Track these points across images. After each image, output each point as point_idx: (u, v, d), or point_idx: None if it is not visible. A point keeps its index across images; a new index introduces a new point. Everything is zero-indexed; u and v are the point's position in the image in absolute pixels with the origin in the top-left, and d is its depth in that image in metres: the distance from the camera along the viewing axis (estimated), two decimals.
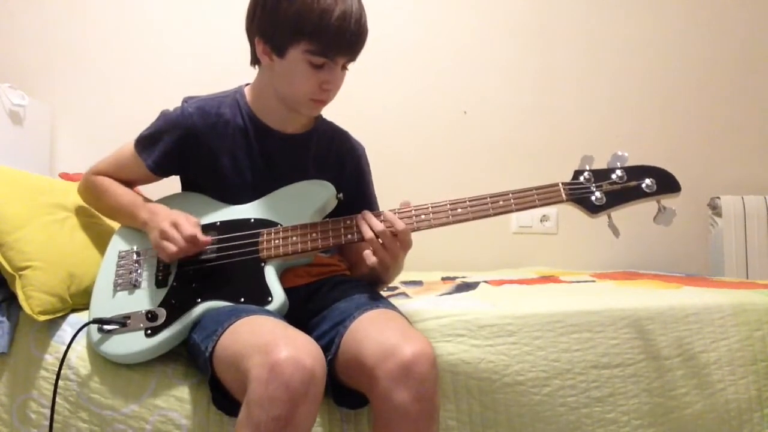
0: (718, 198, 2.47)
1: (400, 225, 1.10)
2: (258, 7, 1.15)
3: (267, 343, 0.91)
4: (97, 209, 1.34)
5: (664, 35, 2.60)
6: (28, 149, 2.12)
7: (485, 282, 1.65)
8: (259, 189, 1.22)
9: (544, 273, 2.00)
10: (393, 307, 1.13)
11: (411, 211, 1.14)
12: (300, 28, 1.09)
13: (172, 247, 1.10)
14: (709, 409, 1.23)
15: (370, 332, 1.00)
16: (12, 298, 1.20)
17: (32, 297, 1.15)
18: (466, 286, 1.58)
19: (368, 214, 1.13)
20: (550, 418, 1.17)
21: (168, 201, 1.26)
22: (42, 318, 1.15)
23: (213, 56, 2.35)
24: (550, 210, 2.45)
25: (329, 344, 1.04)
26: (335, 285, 1.21)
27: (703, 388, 1.24)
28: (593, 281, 1.72)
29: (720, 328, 1.29)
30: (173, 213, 1.15)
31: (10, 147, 2.00)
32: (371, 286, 1.24)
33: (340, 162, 1.31)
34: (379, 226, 1.11)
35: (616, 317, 1.26)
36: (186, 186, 1.31)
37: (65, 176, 1.95)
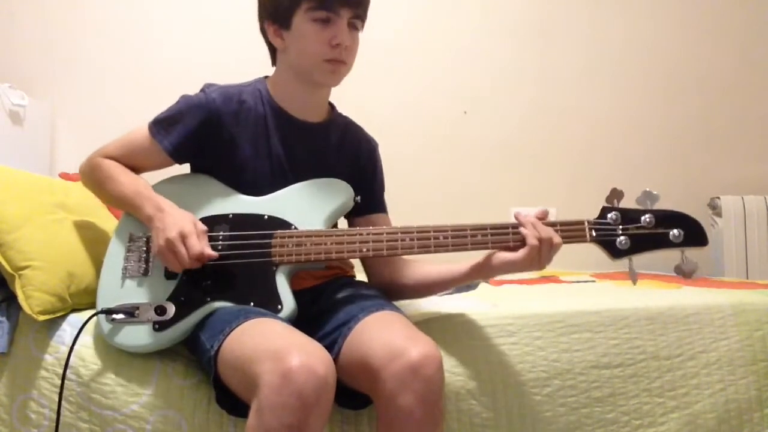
0: (718, 198, 2.47)
1: (557, 238, 1.09)
2: None
3: (278, 349, 0.90)
4: (99, 196, 1.28)
5: (664, 35, 2.61)
6: (28, 149, 2.12)
7: (485, 282, 1.65)
8: (276, 179, 1.20)
9: (544, 273, 2.00)
10: (397, 310, 1.12)
11: (430, 233, 1.12)
12: None
13: (176, 264, 1.08)
14: (709, 409, 1.23)
15: (376, 334, 1.00)
16: (12, 298, 1.19)
17: (32, 297, 1.14)
18: (466, 287, 1.58)
19: (536, 220, 1.10)
20: (550, 418, 1.17)
21: (178, 182, 1.23)
22: (42, 318, 1.15)
23: (213, 56, 2.35)
24: (550, 209, 2.44)
25: (332, 345, 1.04)
26: (339, 287, 1.21)
27: (703, 388, 1.24)
28: (593, 281, 1.72)
29: (720, 328, 1.29)
30: (181, 218, 1.10)
31: (10, 147, 2.00)
32: (376, 289, 1.24)
33: (356, 151, 1.30)
34: (546, 232, 1.08)
35: (616, 317, 1.26)
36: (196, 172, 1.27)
37: (65, 176, 1.94)
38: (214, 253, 1.10)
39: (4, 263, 1.16)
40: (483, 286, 1.56)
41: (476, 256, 1.16)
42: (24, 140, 2.08)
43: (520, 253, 1.08)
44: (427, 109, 2.50)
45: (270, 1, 1.18)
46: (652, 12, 2.60)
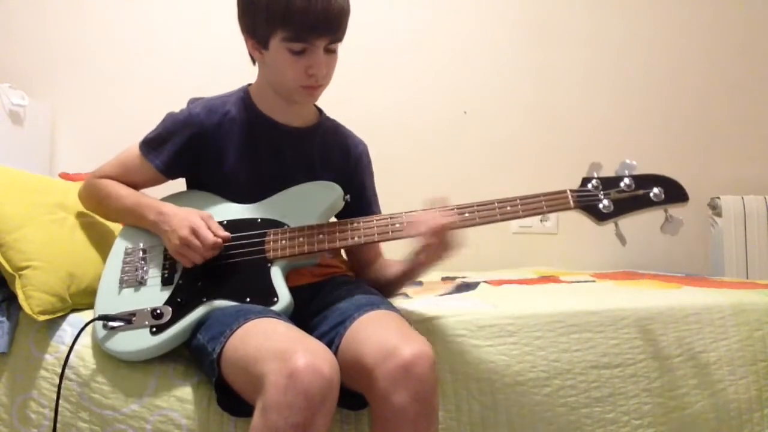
0: (718, 198, 2.47)
1: (441, 220, 1.11)
2: (240, 3, 1.17)
3: (284, 349, 0.91)
4: (100, 214, 1.31)
5: (665, 35, 2.60)
6: (28, 149, 2.12)
7: (485, 282, 1.65)
8: (266, 185, 1.22)
9: (544, 273, 2.00)
10: (393, 309, 1.13)
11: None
12: (272, 18, 1.10)
13: (196, 258, 1.11)
14: (709, 409, 1.23)
15: (370, 333, 1.00)
16: (12, 298, 1.20)
17: (32, 297, 1.14)
18: (466, 286, 1.58)
19: (415, 217, 1.12)
20: (550, 418, 1.17)
21: (173, 200, 1.25)
22: (42, 318, 1.15)
23: (213, 57, 2.35)
24: None
25: (329, 344, 1.04)
26: (337, 285, 1.21)
27: (703, 388, 1.24)
28: (593, 281, 1.72)
29: (720, 328, 1.29)
30: (186, 215, 1.13)
31: (10, 147, 2.01)
32: (374, 288, 1.24)
33: (345, 155, 1.32)
34: (426, 224, 1.09)
35: (616, 317, 1.26)
36: (191, 187, 1.30)
37: (65, 176, 1.95)
38: (227, 234, 1.13)
39: (4, 263, 1.16)
40: (483, 286, 1.56)
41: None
42: (24, 140, 2.09)
43: (422, 255, 1.14)
44: (427, 109, 2.50)
45: (248, 19, 1.17)
46: (652, 12, 2.60)
